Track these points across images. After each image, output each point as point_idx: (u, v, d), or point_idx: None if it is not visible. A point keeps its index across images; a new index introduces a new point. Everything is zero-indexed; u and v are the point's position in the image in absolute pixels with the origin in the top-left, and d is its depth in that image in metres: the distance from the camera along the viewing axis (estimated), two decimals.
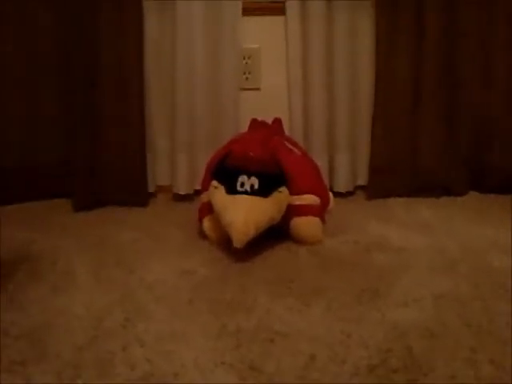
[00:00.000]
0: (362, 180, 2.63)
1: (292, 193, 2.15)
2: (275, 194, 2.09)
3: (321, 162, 2.48)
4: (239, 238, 2.00)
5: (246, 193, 2.05)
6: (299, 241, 2.16)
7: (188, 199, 2.55)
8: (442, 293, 1.84)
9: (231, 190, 2.07)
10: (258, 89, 2.61)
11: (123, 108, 2.46)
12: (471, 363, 1.52)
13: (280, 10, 2.49)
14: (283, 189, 2.12)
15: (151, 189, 2.57)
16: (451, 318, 1.71)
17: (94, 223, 2.36)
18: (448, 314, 1.73)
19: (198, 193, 2.45)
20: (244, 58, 2.55)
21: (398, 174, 2.55)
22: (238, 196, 2.06)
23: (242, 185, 2.06)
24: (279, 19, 2.51)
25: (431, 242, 2.17)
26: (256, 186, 2.06)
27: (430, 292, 1.85)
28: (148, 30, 2.45)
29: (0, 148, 2.46)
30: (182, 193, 2.55)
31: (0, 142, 2.47)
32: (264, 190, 2.06)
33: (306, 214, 2.18)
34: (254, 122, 2.44)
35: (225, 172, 2.12)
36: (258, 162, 2.10)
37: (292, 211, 2.15)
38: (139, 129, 2.47)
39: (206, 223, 2.20)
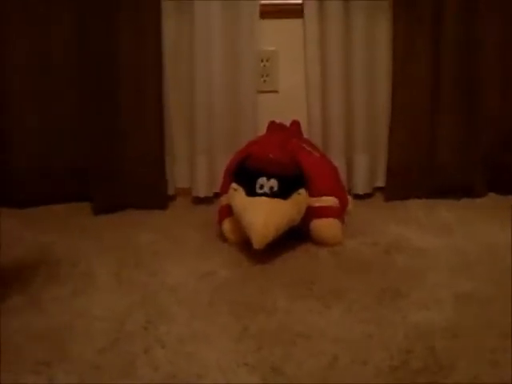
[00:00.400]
0: (380, 182, 2.62)
1: (311, 195, 2.15)
2: (295, 196, 2.09)
3: (339, 164, 2.48)
4: (259, 240, 2.01)
5: (265, 195, 2.06)
6: (319, 242, 2.17)
7: (207, 202, 2.56)
8: (462, 294, 1.84)
9: (251, 192, 2.08)
10: (275, 91, 2.61)
11: (142, 111, 2.47)
12: (493, 364, 1.52)
13: (297, 13, 2.49)
14: (302, 191, 2.12)
15: (170, 191, 2.57)
16: (472, 319, 1.71)
17: (114, 226, 2.37)
18: (469, 315, 1.73)
19: (217, 195, 2.46)
20: (262, 61, 2.56)
21: (416, 175, 2.54)
22: (257, 198, 2.07)
23: (262, 187, 2.06)
24: (296, 22, 2.51)
25: (451, 244, 2.17)
26: (275, 188, 2.06)
27: (451, 293, 1.84)
28: (166, 32, 2.46)
29: (21, 151, 2.48)
30: (201, 195, 2.55)
31: (21, 145, 2.48)
32: (283, 192, 2.07)
33: (325, 216, 2.18)
34: (272, 124, 2.45)
35: (244, 174, 2.12)
36: (278, 164, 2.10)
37: (311, 213, 2.15)
38: (158, 131, 2.48)
39: (226, 225, 2.21)
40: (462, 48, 2.45)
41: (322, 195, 2.19)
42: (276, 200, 2.06)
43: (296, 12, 2.49)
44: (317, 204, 2.16)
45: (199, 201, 2.56)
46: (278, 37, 2.55)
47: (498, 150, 2.57)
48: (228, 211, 2.19)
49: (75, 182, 2.52)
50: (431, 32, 2.44)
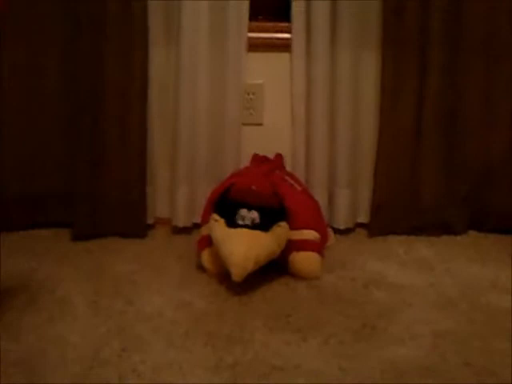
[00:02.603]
0: (362, 217, 2.62)
1: (292, 228, 2.15)
2: (275, 229, 2.09)
3: (321, 198, 2.48)
4: (238, 272, 1.99)
5: (246, 226, 2.05)
6: (298, 276, 2.16)
7: (186, 232, 2.54)
8: (441, 331, 1.84)
9: (232, 223, 2.07)
10: (260, 124, 2.61)
11: (124, 139, 2.45)
12: None
13: (285, 47, 2.50)
14: (283, 223, 2.12)
15: (150, 220, 2.56)
16: (450, 357, 1.71)
17: (93, 253, 2.35)
18: (447, 353, 1.73)
19: (196, 226, 2.45)
20: (248, 94, 2.56)
21: (399, 211, 2.54)
22: (238, 230, 2.06)
23: (243, 218, 2.06)
24: (284, 56, 2.52)
25: (430, 280, 2.16)
26: (257, 220, 2.06)
27: (429, 330, 1.84)
28: (152, 61, 2.46)
29: (2, 176, 2.46)
30: (180, 225, 2.54)
31: (2, 171, 2.47)
32: (264, 224, 2.06)
33: (305, 249, 2.17)
34: (255, 157, 2.45)
35: (226, 205, 2.12)
36: (260, 195, 2.10)
37: (291, 246, 2.15)
38: (140, 160, 2.47)
39: (205, 256, 2.19)
40: (447, 86, 2.47)
41: (302, 228, 2.18)
42: (256, 232, 2.06)
43: (284, 46, 2.50)
44: (297, 237, 2.16)
45: (178, 231, 2.55)
46: (264, 70, 2.56)
47: (479, 188, 2.58)
48: (208, 242, 2.17)
49: (55, 207, 2.50)
50: (418, 68, 2.46)
